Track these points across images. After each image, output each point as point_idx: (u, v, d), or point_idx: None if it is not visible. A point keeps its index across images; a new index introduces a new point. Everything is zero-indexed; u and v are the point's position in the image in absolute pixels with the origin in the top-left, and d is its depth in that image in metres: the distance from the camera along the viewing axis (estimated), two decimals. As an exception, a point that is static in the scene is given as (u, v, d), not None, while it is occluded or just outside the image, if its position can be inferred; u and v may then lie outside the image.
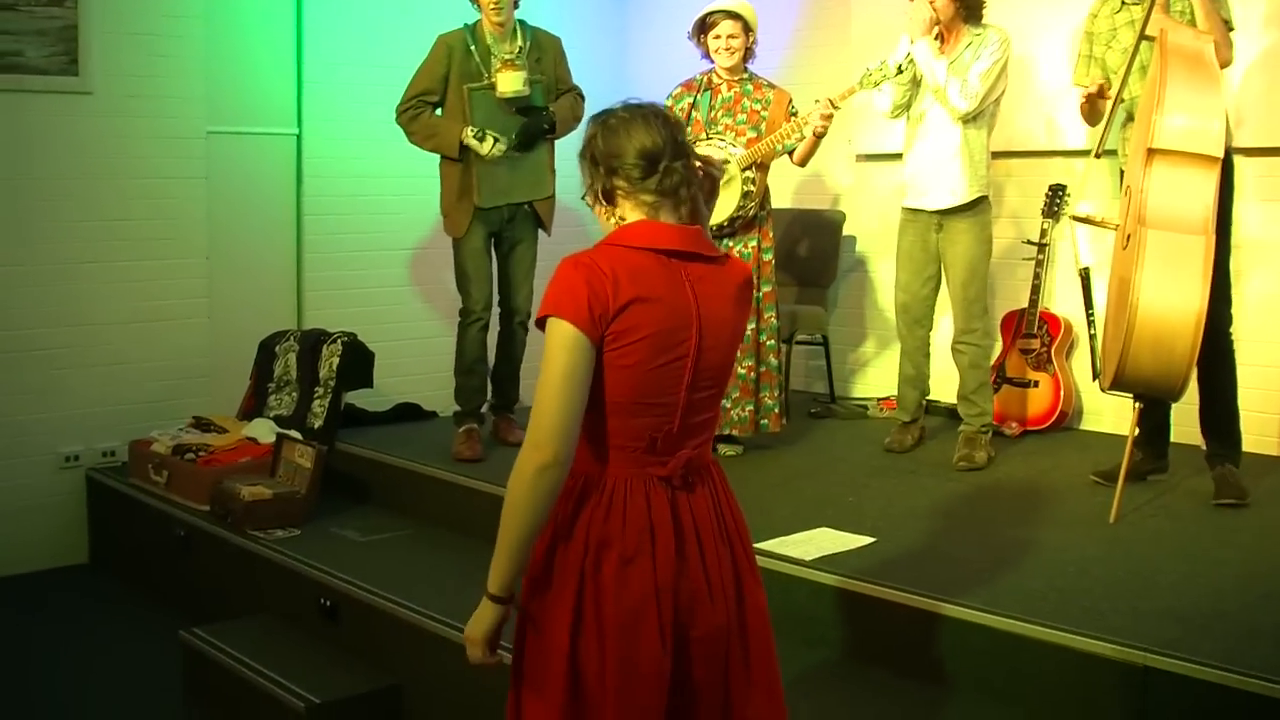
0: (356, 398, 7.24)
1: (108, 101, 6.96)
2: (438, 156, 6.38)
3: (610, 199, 2.97)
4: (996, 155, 6.43)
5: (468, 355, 6.49)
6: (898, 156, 7.39)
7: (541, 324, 2.82)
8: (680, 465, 2.91)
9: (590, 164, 2.99)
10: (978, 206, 6.08)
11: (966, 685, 4.12)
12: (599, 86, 6.56)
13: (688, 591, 2.90)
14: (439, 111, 6.36)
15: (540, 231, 6.54)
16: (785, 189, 7.98)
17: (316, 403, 6.90)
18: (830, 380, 7.70)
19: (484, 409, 6.69)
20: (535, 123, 6.31)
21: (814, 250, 7.68)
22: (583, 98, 6.55)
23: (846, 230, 7.76)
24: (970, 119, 5.98)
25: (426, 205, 6.94)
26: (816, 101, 6.02)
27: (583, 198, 3.07)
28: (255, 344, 7.39)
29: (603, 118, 3.00)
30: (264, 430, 6.77)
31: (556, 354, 2.77)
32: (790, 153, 6.24)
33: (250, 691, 4.97)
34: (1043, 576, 4.45)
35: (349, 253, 7.81)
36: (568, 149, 6.56)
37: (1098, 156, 5.57)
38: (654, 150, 2.92)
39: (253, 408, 7.21)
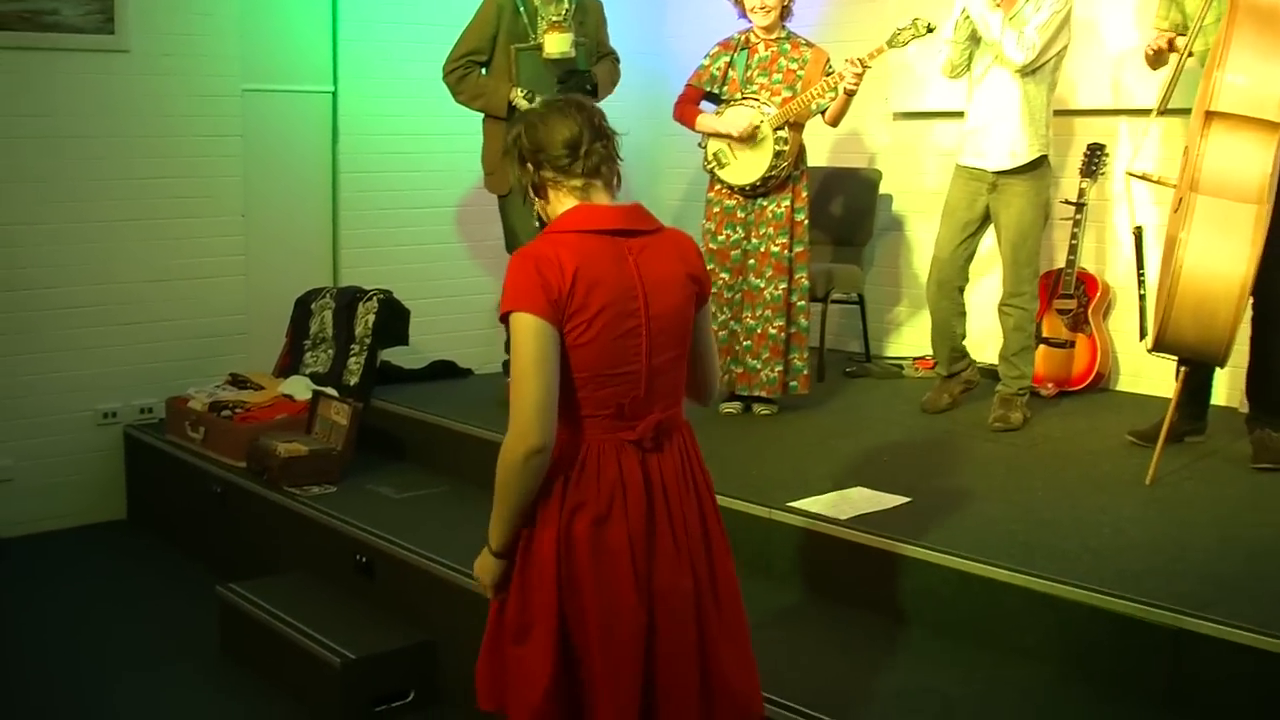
0: (392, 355, 7.25)
1: (144, 60, 6.97)
2: (478, 115, 6.39)
3: (541, 192, 3.16)
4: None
5: None
6: (936, 114, 7.40)
7: (505, 319, 2.96)
8: (650, 429, 3.07)
9: (519, 163, 3.16)
10: (1037, 168, 5.96)
11: (1000, 645, 4.11)
12: (638, 48, 6.56)
13: (660, 549, 3.07)
14: (484, 71, 6.36)
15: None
16: (821, 147, 7.95)
17: (352, 360, 6.92)
18: (866, 339, 7.68)
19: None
20: (577, 85, 6.30)
21: (850, 209, 7.64)
22: (619, 61, 6.54)
23: (883, 189, 7.71)
24: (1030, 74, 5.84)
25: (462, 163, 6.95)
26: (847, 61, 5.97)
27: (525, 202, 3.28)
28: (291, 301, 7.41)
29: (523, 118, 3.19)
30: (300, 387, 6.80)
31: (524, 345, 2.92)
32: (823, 112, 6.19)
33: (286, 646, 5.01)
34: (1077, 537, 4.44)
35: (384, 210, 7.82)
36: (613, 109, 6.62)
37: (1160, 114, 5.50)
38: (575, 138, 3.11)
39: (289, 365, 7.24)
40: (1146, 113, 6.19)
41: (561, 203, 3.12)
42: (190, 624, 5.72)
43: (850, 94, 6.05)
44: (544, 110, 3.18)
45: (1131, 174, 5.60)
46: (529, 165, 3.14)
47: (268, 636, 5.14)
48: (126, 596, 6.13)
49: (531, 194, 3.18)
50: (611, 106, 6.64)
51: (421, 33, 7.39)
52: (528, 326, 2.91)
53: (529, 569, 3.05)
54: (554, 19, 6.21)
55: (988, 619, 4.18)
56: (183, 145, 7.13)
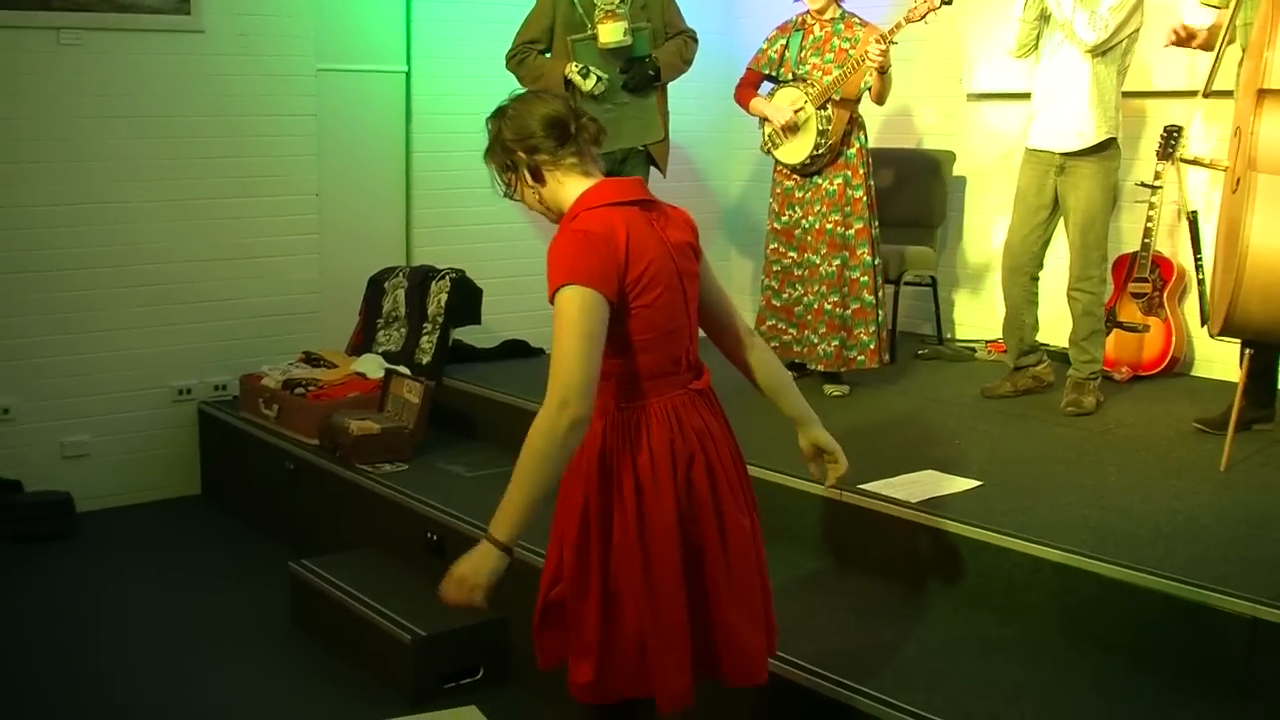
0: (464, 334, 7.29)
1: (219, 40, 7.03)
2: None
3: (539, 176, 3.22)
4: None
5: None
6: (1010, 95, 7.34)
7: (550, 294, 3.00)
8: (709, 382, 3.30)
9: (505, 153, 3.24)
10: (1105, 150, 5.89)
11: (1070, 632, 4.08)
12: (710, 27, 6.56)
13: (721, 492, 3.27)
14: (547, 55, 6.41)
15: (655, 171, 6.58)
16: (894, 128, 7.92)
17: (425, 338, 6.95)
18: (938, 322, 7.65)
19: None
20: (640, 71, 6.34)
21: (923, 190, 7.60)
22: (694, 39, 6.55)
23: (957, 170, 7.67)
24: (1100, 55, 5.78)
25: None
26: (873, 39, 5.99)
27: (506, 194, 3.34)
28: (364, 280, 7.46)
29: (497, 113, 3.28)
30: (373, 366, 6.84)
31: (578, 319, 2.96)
32: (868, 90, 6.22)
33: (357, 623, 5.05)
34: (1150, 524, 4.40)
35: (457, 189, 7.83)
36: (684, 89, 6.63)
37: (1206, 96, 5.45)
38: (559, 116, 3.20)
39: (362, 343, 7.28)
40: (1191, 95, 6.14)
41: (564, 183, 3.21)
42: (262, 600, 5.78)
43: (882, 70, 6.06)
44: (518, 99, 3.29)
45: (1184, 159, 5.55)
46: (520, 154, 3.20)
47: (339, 613, 5.18)
48: (200, 572, 6.20)
49: (529, 181, 3.22)
50: (682, 87, 6.70)
51: (493, 12, 7.40)
52: (585, 300, 2.97)
53: (626, 525, 3.14)
54: (608, 8, 6.24)
55: (1058, 605, 4.15)
56: (257, 125, 7.19)
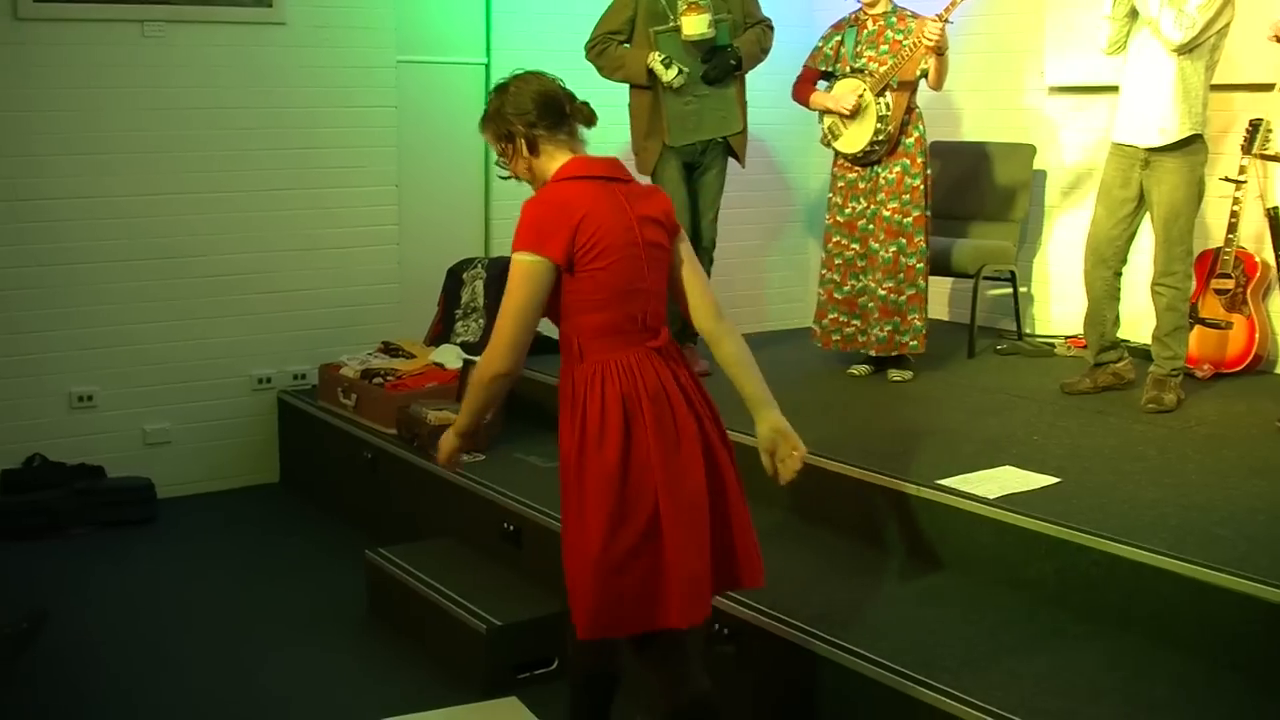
0: (542, 325, 7.28)
1: (300, 32, 7.08)
2: (626, 89, 6.45)
3: (534, 149, 3.56)
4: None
5: None
6: (1090, 89, 7.28)
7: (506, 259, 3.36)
8: (667, 339, 3.58)
9: (503, 124, 3.57)
10: (1190, 146, 5.81)
11: (1149, 631, 4.05)
12: (786, 19, 6.54)
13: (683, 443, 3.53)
14: (626, 46, 6.42)
15: (733, 162, 6.58)
16: (973, 121, 7.86)
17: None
18: (1017, 316, 7.59)
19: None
20: (721, 62, 6.34)
21: (1003, 184, 7.55)
22: (771, 28, 6.54)
23: (1038, 164, 7.60)
24: (1187, 52, 5.73)
25: (613, 135, 6.94)
26: (928, 19, 6.08)
27: (496, 162, 3.68)
28: (443, 271, 7.49)
29: (499, 88, 3.61)
30: (451, 356, 6.87)
31: (521, 284, 3.41)
32: (925, 75, 6.29)
33: (433, 612, 5.07)
34: (1231, 524, 4.35)
35: (536, 181, 7.85)
36: (763, 81, 6.61)
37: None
38: (556, 95, 3.61)
39: (440, 333, 7.32)
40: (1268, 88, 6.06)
41: (554, 157, 3.57)
42: (339, 587, 5.83)
43: (938, 52, 6.12)
44: (518, 78, 3.62)
45: (1264, 155, 5.47)
46: (520, 126, 3.54)
47: (415, 601, 5.22)
48: (277, 558, 6.26)
49: (524, 152, 3.56)
50: (759, 79, 6.68)
51: (573, 4, 7.40)
52: (528, 268, 3.40)
53: (599, 460, 3.44)
54: (692, 0, 6.23)
55: (1136, 604, 4.11)
56: (338, 116, 7.24)
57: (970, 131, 7.93)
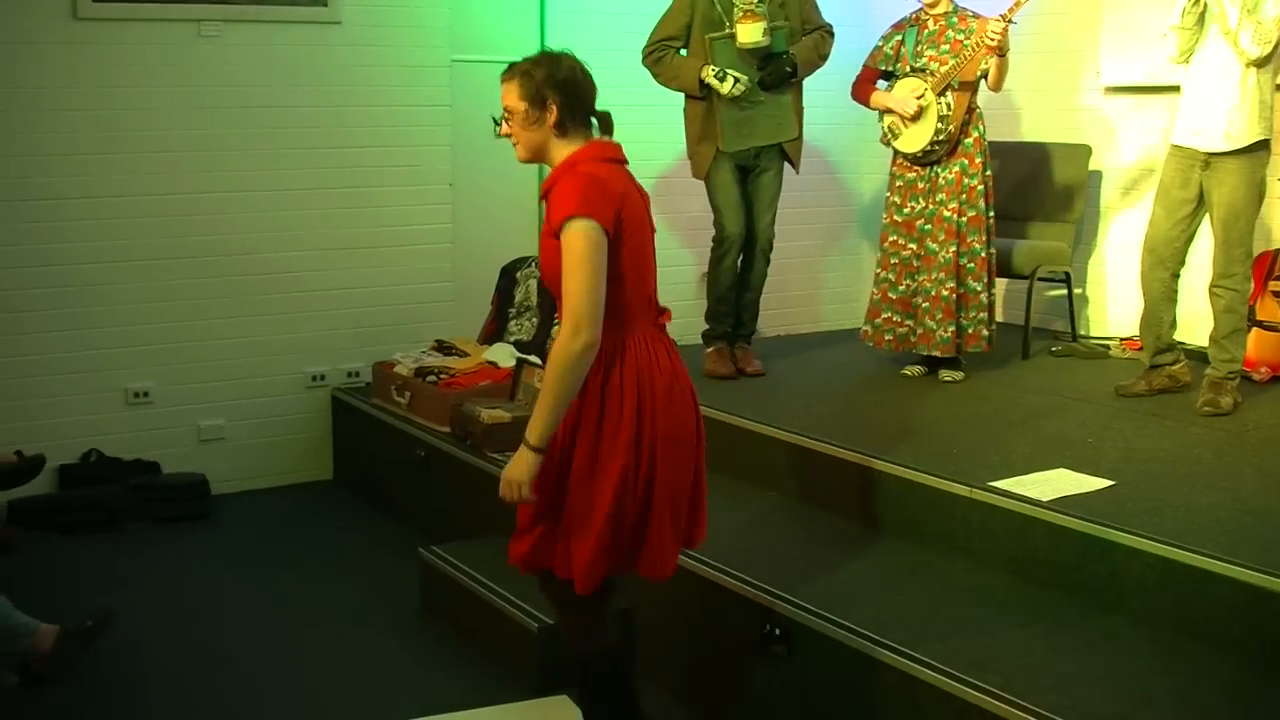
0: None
1: (355, 31, 7.12)
2: (681, 93, 6.47)
3: (562, 127, 3.67)
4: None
5: (722, 283, 6.64)
6: (1147, 89, 7.23)
7: (563, 224, 3.48)
8: (669, 318, 3.81)
9: (545, 89, 3.64)
10: (1254, 149, 5.79)
11: (1203, 637, 4.02)
12: (844, 20, 6.53)
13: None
14: (683, 53, 6.42)
15: (787, 166, 6.59)
16: (1029, 121, 7.82)
17: (556, 328, 6.98)
18: (1072, 318, 7.55)
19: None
20: (778, 69, 6.34)
21: (1059, 184, 7.51)
22: (831, 34, 6.53)
23: (1093, 164, 7.56)
24: (1264, 64, 5.70)
25: (667, 135, 6.97)
26: (991, 19, 6.08)
27: (502, 117, 3.74)
28: (497, 270, 7.51)
29: (557, 59, 3.72)
30: (504, 354, 6.88)
31: (589, 251, 3.47)
32: (985, 76, 6.25)
33: (485, 610, 5.08)
34: (1289, 527, 4.33)
35: (589, 181, 7.85)
36: (818, 82, 6.60)
37: None
38: (594, 96, 3.76)
39: (494, 332, 7.34)
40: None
41: (571, 141, 3.69)
42: (392, 584, 5.85)
43: (1000, 53, 6.11)
44: (580, 66, 3.74)
45: None
46: (560, 99, 3.65)
47: (467, 599, 5.23)
48: (331, 555, 6.29)
49: (548, 122, 3.66)
50: (814, 81, 6.67)
51: (627, 4, 7.42)
52: (594, 233, 3.47)
53: (610, 440, 3.62)
54: (746, 7, 6.24)
55: (1191, 609, 4.08)
56: (393, 115, 7.27)
57: (1026, 132, 7.90)
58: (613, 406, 3.62)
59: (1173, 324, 6.12)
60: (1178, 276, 6.06)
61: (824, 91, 7.17)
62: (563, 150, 3.69)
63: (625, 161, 3.76)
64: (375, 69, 7.21)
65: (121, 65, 6.61)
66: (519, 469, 3.61)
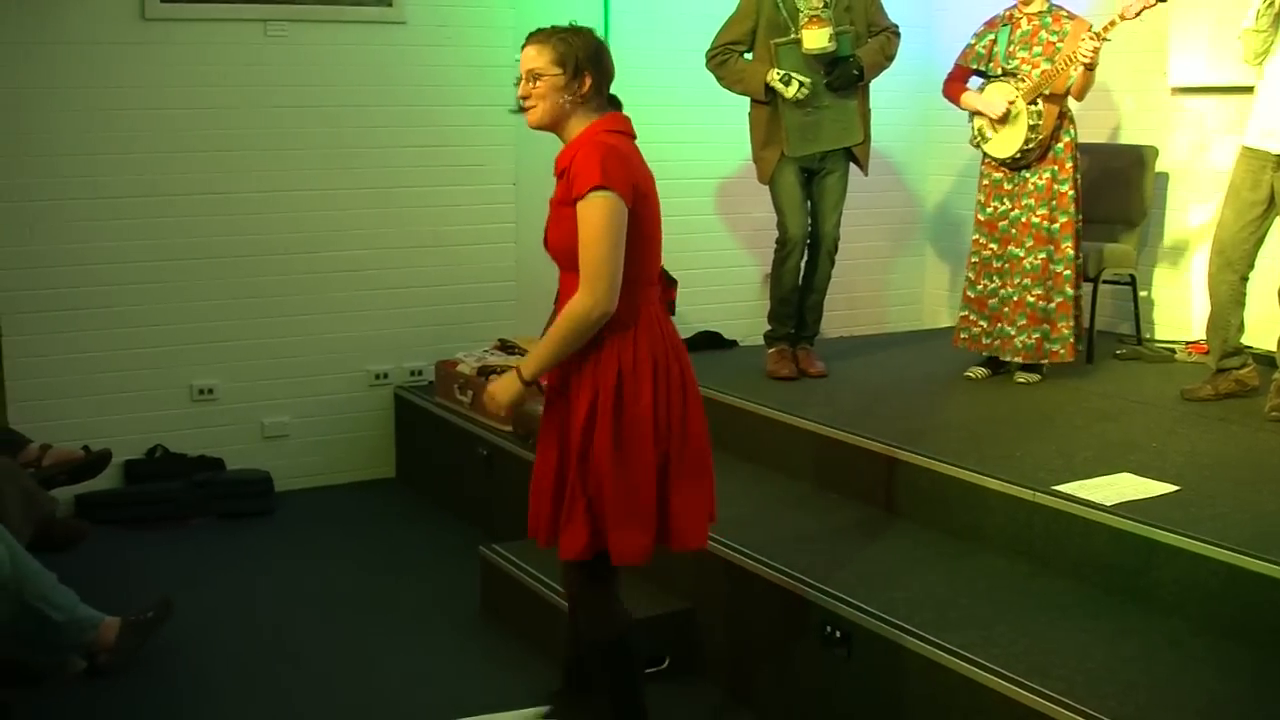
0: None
1: (420, 31, 7.15)
2: (746, 97, 6.48)
3: (588, 100, 3.74)
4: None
5: (784, 285, 6.63)
6: (1215, 89, 7.16)
7: (583, 195, 3.55)
8: (674, 295, 3.77)
9: (582, 62, 3.72)
10: None
11: (1269, 644, 3.97)
12: (910, 20, 6.52)
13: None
14: (748, 56, 6.41)
15: (854, 168, 6.58)
16: (1096, 122, 7.76)
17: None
18: (1137, 321, 7.49)
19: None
20: (844, 73, 6.32)
21: (1124, 186, 7.44)
22: (897, 35, 6.50)
23: (1160, 165, 7.50)
24: None
25: (731, 137, 6.97)
26: (1085, 35, 6.02)
27: (529, 81, 3.76)
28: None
29: (583, 31, 3.83)
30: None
31: (611, 221, 3.55)
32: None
33: (546, 609, 5.09)
34: (1357, 534, 4.28)
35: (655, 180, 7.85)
36: (882, 82, 6.58)
37: None
38: (611, 78, 3.84)
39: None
40: None
41: (587, 116, 3.75)
42: (453, 583, 5.88)
43: (1089, 67, 6.07)
44: (602, 42, 3.84)
45: None
46: (592, 74, 3.73)
47: (528, 598, 5.24)
48: (393, 553, 6.32)
49: (575, 92, 3.72)
50: (884, 84, 6.65)
51: (690, 4, 7.41)
52: (615, 205, 3.55)
53: (633, 414, 3.71)
54: (812, 12, 6.22)
55: (1257, 616, 4.04)
56: (457, 115, 7.31)
57: (1091, 133, 7.83)
58: (629, 386, 3.71)
59: (1240, 327, 6.07)
60: (1246, 279, 6.00)
61: (890, 92, 7.15)
62: (580, 123, 3.75)
63: (635, 136, 3.83)
64: (440, 69, 7.24)
65: (188, 65, 6.67)
66: (505, 391, 3.77)
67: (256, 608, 5.62)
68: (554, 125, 3.78)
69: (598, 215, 3.55)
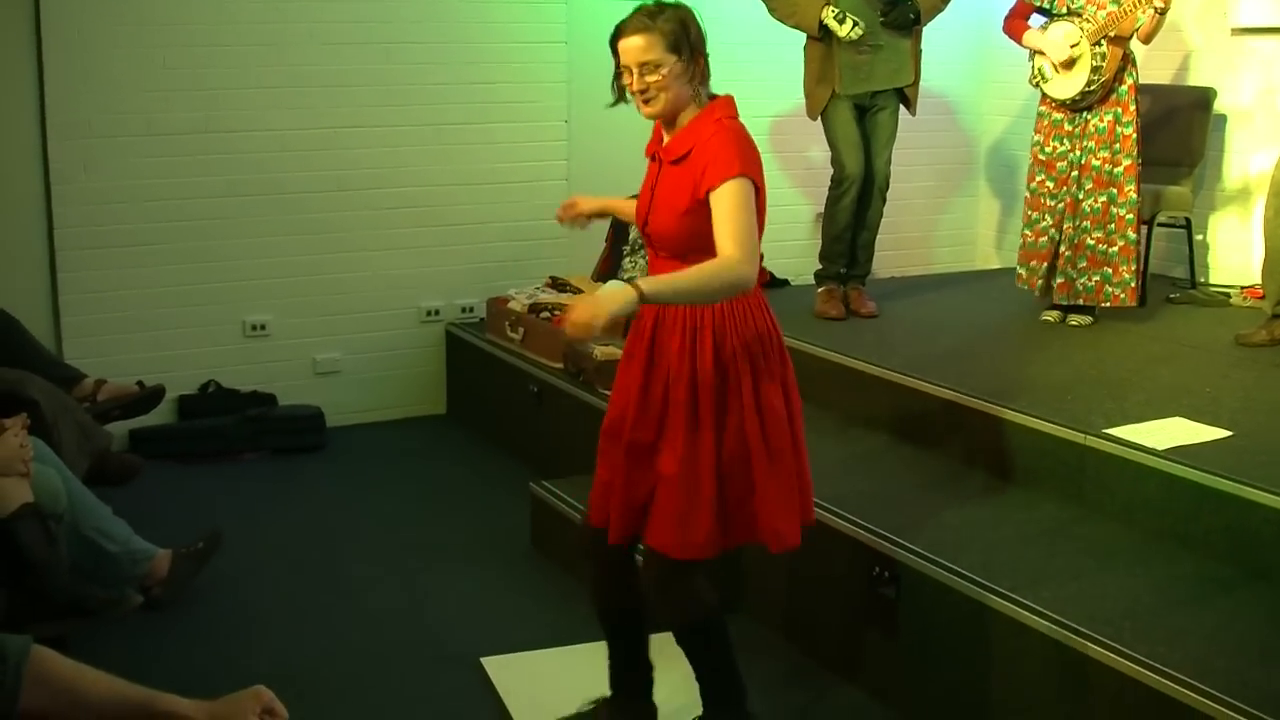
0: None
1: (472, -34, 7.14)
2: (801, 34, 6.44)
3: (701, 80, 3.63)
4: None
5: (838, 222, 6.60)
6: (1278, 30, 7.06)
7: (721, 179, 3.46)
8: (766, 278, 3.56)
9: (696, 42, 3.60)
10: None
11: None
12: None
13: None
14: None
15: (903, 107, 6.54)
16: (1154, 63, 7.68)
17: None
18: (1191, 265, 7.43)
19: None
20: (900, 15, 6.28)
21: (1181, 128, 7.36)
22: None
23: (1218, 108, 7.42)
24: None
25: (785, 75, 6.92)
26: None
27: (645, 66, 3.56)
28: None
29: (685, 9, 3.66)
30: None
31: (749, 206, 3.47)
32: (1138, 28, 6.12)
33: (595, 547, 5.11)
34: None
35: (704, 119, 7.83)
36: (941, 27, 6.52)
37: None
38: None
39: (608, 269, 7.35)
40: None
41: (697, 95, 3.63)
42: (503, 518, 5.91)
43: (1161, 11, 5.98)
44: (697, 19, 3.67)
45: None
46: (704, 59, 3.62)
47: (577, 533, 5.25)
48: (443, 489, 6.37)
49: (694, 73, 3.59)
50: (939, 22, 6.59)
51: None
52: (749, 191, 3.48)
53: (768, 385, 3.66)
54: None
55: (1310, 562, 4.04)
56: (509, 51, 7.29)
57: (1149, 74, 7.75)
58: (731, 373, 3.62)
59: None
60: (1302, 218, 5.95)
61: (946, 30, 7.10)
62: (695, 106, 3.62)
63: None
64: (492, 5, 7.22)
65: (245, 1, 6.67)
66: (615, 301, 3.31)
67: (308, 542, 5.68)
68: (674, 112, 3.62)
69: (738, 199, 3.44)
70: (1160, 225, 7.16)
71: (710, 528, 3.61)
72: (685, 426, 3.60)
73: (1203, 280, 7.51)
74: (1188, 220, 7.32)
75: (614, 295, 3.32)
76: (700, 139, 3.55)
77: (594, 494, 3.89)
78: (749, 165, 3.48)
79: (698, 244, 3.52)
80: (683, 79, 3.56)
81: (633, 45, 3.56)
